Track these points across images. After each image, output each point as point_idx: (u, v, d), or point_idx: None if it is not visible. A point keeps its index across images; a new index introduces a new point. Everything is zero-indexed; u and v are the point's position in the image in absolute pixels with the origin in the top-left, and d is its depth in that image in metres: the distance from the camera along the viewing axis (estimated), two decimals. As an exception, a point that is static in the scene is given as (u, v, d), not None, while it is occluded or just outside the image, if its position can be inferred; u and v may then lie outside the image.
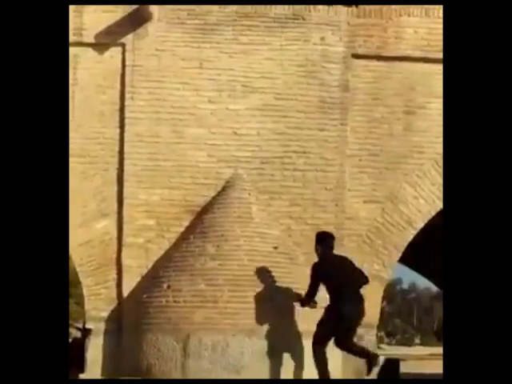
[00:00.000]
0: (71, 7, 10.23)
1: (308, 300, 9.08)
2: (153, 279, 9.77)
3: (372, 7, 10.56)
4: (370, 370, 8.99)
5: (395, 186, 10.28)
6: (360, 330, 9.85)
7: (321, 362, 8.94)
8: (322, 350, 8.94)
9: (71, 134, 10.00)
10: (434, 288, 34.53)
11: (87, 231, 10.02)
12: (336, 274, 8.95)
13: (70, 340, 17.70)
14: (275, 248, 9.77)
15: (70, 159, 9.88)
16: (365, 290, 9.78)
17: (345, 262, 9.19)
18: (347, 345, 9.02)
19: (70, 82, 10.19)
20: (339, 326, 8.90)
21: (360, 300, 9.00)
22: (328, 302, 9.01)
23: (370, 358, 8.99)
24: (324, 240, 9.25)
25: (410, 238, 10.22)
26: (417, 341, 57.97)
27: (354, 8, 10.57)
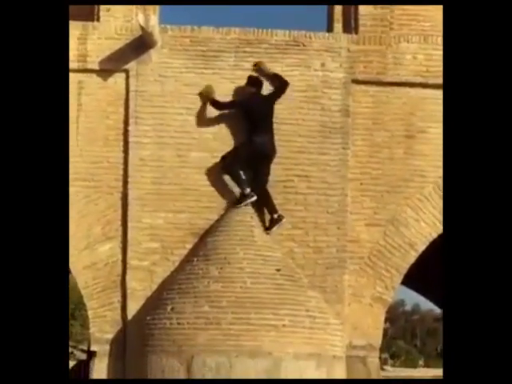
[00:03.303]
0: (75, 34, 10.45)
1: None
2: (157, 301, 9.86)
3: (371, 34, 10.74)
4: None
5: (397, 209, 10.40)
6: (363, 352, 9.99)
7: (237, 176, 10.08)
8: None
9: (76, 159, 10.25)
10: (438, 310, 34.62)
11: (92, 254, 10.12)
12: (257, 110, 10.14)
13: (75, 362, 17.81)
14: (278, 270, 9.86)
15: (75, 183, 10.16)
16: (367, 313, 9.94)
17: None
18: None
19: (75, 107, 10.37)
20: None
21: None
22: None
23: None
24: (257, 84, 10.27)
25: (412, 260, 10.32)
26: (421, 362, 57.79)
27: (353, 35, 10.76)
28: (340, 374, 9.70)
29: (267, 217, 10.16)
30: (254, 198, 10.06)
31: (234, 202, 10.14)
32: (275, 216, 10.08)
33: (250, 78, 10.38)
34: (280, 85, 10.38)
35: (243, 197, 10.09)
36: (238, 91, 10.40)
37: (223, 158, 10.20)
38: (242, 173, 10.17)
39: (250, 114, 10.20)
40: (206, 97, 10.36)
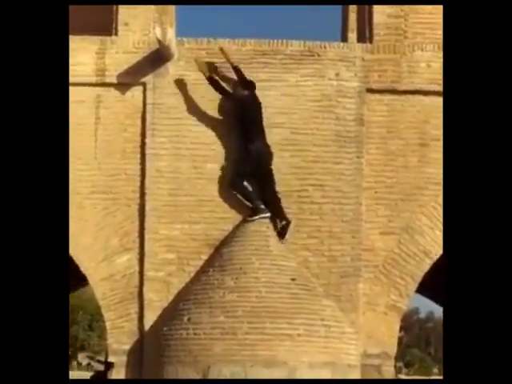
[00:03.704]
0: (93, 49, 10.63)
1: None
2: (173, 312, 9.99)
3: (386, 43, 10.78)
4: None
5: (411, 217, 10.43)
6: (378, 361, 10.05)
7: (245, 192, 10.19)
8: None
9: (94, 172, 10.46)
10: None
11: (110, 266, 10.29)
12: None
13: (93, 373, 18.03)
14: (293, 280, 9.95)
15: (93, 196, 10.34)
16: (382, 321, 9.99)
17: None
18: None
19: (93, 121, 10.55)
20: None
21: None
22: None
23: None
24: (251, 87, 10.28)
25: (427, 268, 10.34)
26: (435, 370, 57.42)
27: (367, 44, 10.82)
28: (355, 383, 9.76)
29: (279, 225, 10.24)
30: (268, 214, 10.16)
31: (249, 216, 10.22)
32: (284, 223, 10.16)
33: (245, 80, 10.37)
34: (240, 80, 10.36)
35: (257, 211, 10.18)
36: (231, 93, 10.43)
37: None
38: (248, 187, 10.27)
39: (242, 119, 10.25)
40: (202, 72, 10.44)
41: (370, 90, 10.68)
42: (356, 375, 9.82)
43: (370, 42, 10.85)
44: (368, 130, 10.59)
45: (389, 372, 10.09)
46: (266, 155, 10.28)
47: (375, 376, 9.98)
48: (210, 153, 10.49)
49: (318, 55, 10.71)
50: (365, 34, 11.03)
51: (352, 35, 11.22)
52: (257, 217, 10.16)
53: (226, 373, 9.44)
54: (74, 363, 43.17)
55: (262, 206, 10.18)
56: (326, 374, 9.53)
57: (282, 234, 10.19)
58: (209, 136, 10.53)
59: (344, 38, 11.36)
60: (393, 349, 10.18)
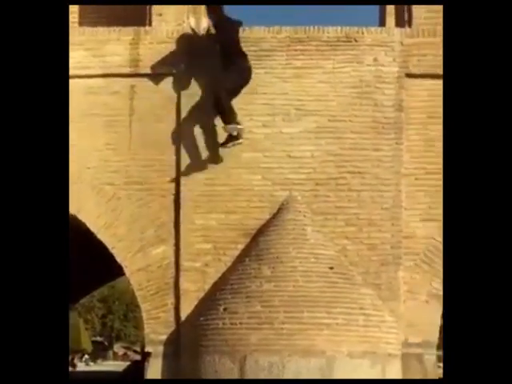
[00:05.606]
0: (127, 40, 10.59)
1: None
2: (210, 302, 9.87)
3: (426, 26, 10.54)
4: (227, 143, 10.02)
5: (452, 204, 10.15)
6: (419, 350, 9.80)
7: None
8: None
9: (128, 163, 10.38)
10: None
11: (145, 256, 10.20)
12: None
13: (129, 363, 18.10)
14: (331, 268, 9.76)
15: (128, 187, 10.28)
16: (424, 309, 9.75)
17: None
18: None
19: (128, 111, 10.48)
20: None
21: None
22: None
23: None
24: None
25: (469, 255, 10.05)
26: None
27: (406, 28, 10.59)
28: (395, 372, 9.52)
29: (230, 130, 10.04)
30: (241, 141, 10.03)
31: (223, 144, 10.12)
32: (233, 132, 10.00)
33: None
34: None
35: (231, 138, 10.05)
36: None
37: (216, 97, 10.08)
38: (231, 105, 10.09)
39: (224, 43, 10.22)
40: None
41: (410, 75, 10.43)
42: (396, 364, 9.59)
43: (409, 26, 10.61)
44: (408, 116, 10.35)
45: (430, 361, 9.82)
46: (247, 69, 10.17)
47: (416, 365, 9.73)
48: (246, 141, 10.31)
49: (356, 41, 10.51)
50: (403, 18, 10.80)
51: (390, 19, 11.00)
52: (230, 144, 10.03)
53: (264, 363, 9.28)
54: (110, 353, 43.56)
55: (236, 133, 10.01)
56: (365, 364, 9.30)
57: (225, 142, 10.06)
58: (244, 125, 10.33)
59: (382, 23, 11.14)
60: (434, 337, 9.91)
